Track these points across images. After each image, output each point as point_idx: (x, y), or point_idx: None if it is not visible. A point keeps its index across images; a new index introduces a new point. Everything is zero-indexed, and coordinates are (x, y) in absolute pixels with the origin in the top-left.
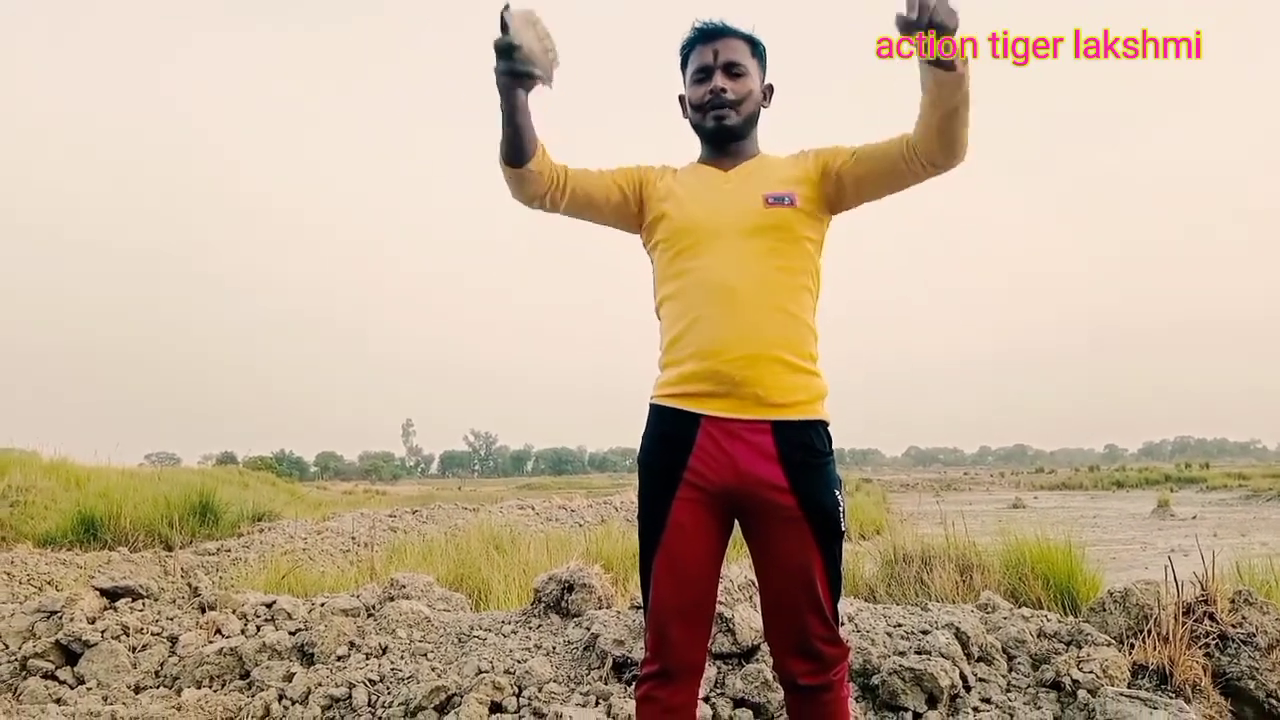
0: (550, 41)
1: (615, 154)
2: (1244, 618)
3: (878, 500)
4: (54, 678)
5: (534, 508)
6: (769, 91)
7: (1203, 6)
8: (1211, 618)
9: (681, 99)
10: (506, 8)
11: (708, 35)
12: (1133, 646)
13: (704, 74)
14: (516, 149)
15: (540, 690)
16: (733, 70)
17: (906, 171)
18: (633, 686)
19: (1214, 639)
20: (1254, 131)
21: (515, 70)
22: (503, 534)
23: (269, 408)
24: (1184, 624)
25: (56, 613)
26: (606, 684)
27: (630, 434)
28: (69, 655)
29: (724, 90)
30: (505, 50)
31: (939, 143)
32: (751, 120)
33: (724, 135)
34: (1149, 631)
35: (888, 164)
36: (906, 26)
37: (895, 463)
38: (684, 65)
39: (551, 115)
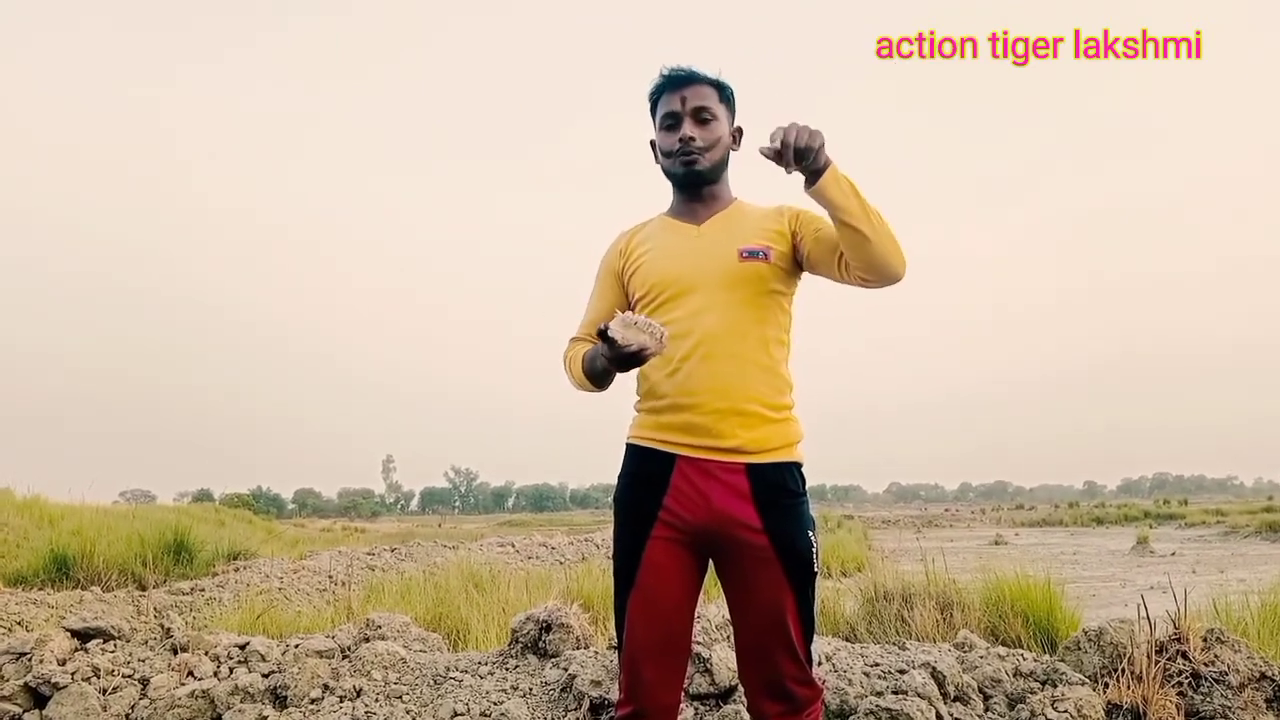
0: (651, 326)
1: (608, 153)
2: (1216, 656)
3: (859, 537)
4: None
5: (514, 545)
6: (738, 135)
7: (1203, 6)
8: (1184, 656)
9: (653, 144)
10: (606, 327)
11: (675, 83)
12: (1107, 685)
13: (673, 120)
14: (604, 386)
15: None
16: (701, 116)
17: (840, 276)
18: None
19: (1187, 678)
20: (1228, 165)
21: (624, 363)
22: (482, 572)
23: (246, 444)
24: (1157, 663)
25: (26, 654)
26: None
27: (612, 470)
28: (38, 698)
29: (692, 139)
30: (615, 356)
31: (860, 261)
32: (721, 165)
33: (695, 180)
34: (1123, 670)
35: (830, 259)
36: (775, 157)
37: (877, 499)
38: (653, 111)
39: (547, 115)
